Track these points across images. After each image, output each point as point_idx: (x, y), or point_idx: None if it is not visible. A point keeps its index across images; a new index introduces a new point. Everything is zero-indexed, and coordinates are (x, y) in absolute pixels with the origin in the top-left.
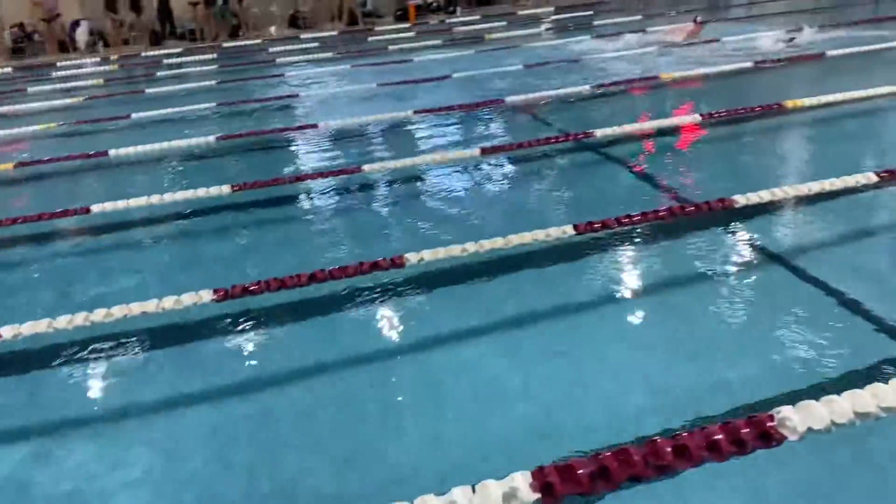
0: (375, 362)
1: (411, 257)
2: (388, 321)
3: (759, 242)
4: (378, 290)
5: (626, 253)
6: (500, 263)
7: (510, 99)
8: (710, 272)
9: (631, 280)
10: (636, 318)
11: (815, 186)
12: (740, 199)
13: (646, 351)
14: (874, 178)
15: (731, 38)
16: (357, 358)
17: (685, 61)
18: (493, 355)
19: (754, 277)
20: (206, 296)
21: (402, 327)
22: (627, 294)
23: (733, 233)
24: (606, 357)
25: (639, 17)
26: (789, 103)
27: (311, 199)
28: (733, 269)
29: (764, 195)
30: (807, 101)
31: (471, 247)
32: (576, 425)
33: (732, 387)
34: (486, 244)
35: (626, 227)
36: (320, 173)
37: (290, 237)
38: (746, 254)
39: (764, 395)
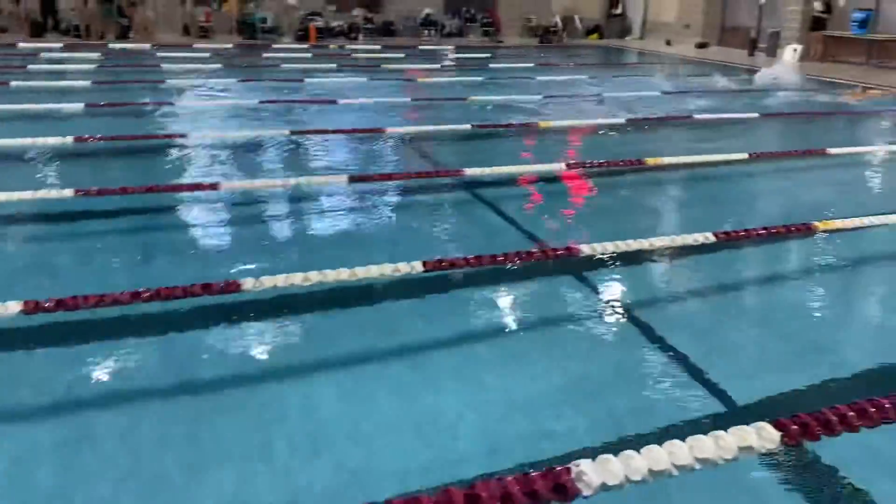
0: (201, 392)
1: (248, 282)
2: (216, 349)
3: (598, 292)
4: (210, 314)
5: (472, 294)
6: (345, 295)
7: (391, 129)
8: (549, 319)
9: (472, 322)
10: (472, 361)
11: (656, 242)
12: (585, 249)
13: (479, 395)
14: (712, 238)
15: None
16: (181, 386)
17: (566, 111)
18: (327, 392)
19: (590, 327)
20: (14, 307)
21: (232, 357)
22: (467, 337)
23: (577, 281)
24: (440, 399)
25: (531, 65)
26: (650, 160)
27: (160, 212)
28: (571, 317)
29: (608, 247)
30: (665, 160)
31: (314, 276)
32: (395, 469)
33: (557, 436)
34: (331, 274)
35: (475, 268)
36: (174, 186)
37: (126, 250)
38: (585, 303)
39: (584, 445)
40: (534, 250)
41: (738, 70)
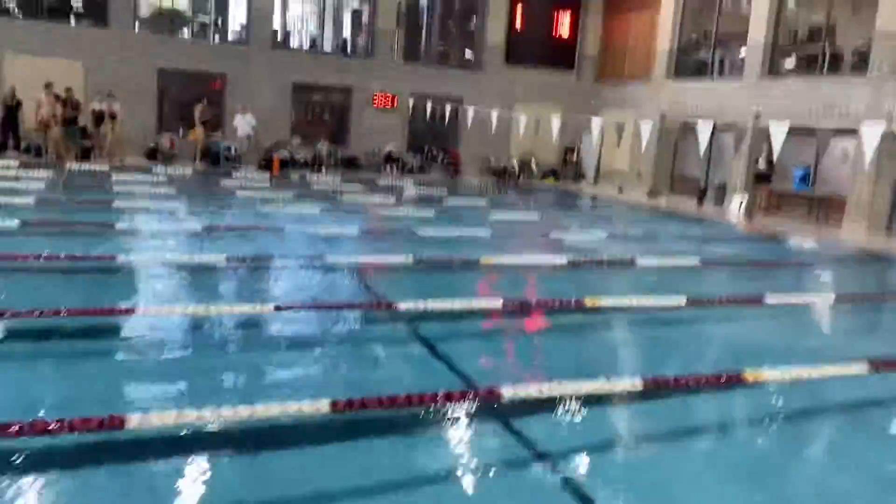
0: None
1: (133, 419)
2: (92, 492)
3: (521, 440)
4: (92, 454)
5: (383, 438)
6: (243, 436)
7: (332, 259)
8: (468, 471)
9: (381, 472)
10: None
11: (585, 386)
12: (507, 392)
13: None
14: (639, 385)
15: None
16: None
17: (512, 248)
18: None
19: (511, 480)
20: None
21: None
22: (373, 488)
23: (500, 426)
24: None
25: (485, 203)
26: (588, 301)
27: (49, 338)
28: (492, 469)
29: (531, 390)
30: (603, 302)
31: (209, 414)
32: None
33: None
34: (228, 412)
35: (388, 410)
36: (85, 311)
37: None
38: (506, 453)
39: None
40: (453, 392)
41: (687, 219)
